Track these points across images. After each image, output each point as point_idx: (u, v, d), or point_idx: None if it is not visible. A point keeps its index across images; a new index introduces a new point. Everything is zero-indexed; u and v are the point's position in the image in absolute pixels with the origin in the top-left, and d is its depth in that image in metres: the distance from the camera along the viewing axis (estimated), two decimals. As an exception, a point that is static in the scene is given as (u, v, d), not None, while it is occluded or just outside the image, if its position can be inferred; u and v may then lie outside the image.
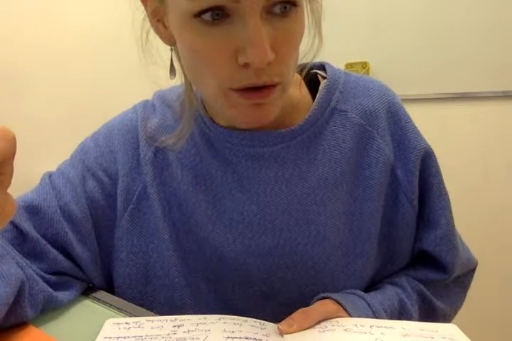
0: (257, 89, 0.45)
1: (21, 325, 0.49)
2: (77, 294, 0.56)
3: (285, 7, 0.43)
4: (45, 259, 0.53)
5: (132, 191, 0.57)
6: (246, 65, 0.43)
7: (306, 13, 0.50)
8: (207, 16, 0.42)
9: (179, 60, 0.52)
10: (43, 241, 0.53)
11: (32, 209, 0.54)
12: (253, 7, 0.41)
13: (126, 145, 0.59)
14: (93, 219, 0.57)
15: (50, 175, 0.59)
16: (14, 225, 0.53)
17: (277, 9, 0.42)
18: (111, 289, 0.60)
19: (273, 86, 0.46)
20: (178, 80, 0.55)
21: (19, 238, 0.53)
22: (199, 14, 0.42)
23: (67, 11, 1.52)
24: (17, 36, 1.39)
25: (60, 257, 0.54)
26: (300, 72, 0.58)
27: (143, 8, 0.50)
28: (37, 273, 0.52)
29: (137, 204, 0.57)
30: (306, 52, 0.53)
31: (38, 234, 0.53)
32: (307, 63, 0.57)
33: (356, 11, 1.61)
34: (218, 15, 0.42)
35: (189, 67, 0.49)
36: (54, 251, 0.54)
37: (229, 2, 0.41)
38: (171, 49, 0.52)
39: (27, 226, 0.53)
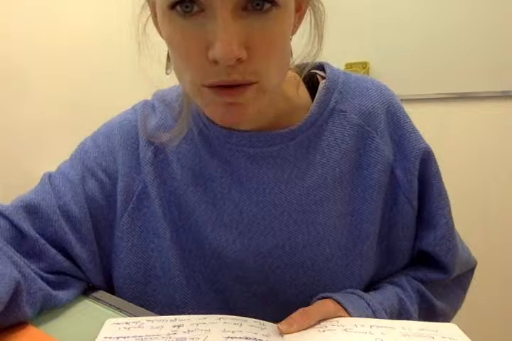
0: (228, 87, 0.44)
1: (21, 324, 0.49)
2: (76, 294, 0.56)
3: (258, 4, 0.41)
4: (44, 259, 0.53)
5: (132, 191, 0.58)
6: (216, 61, 0.42)
7: (308, 16, 0.50)
8: (180, 8, 0.42)
9: None
10: (42, 241, 0.53)
11: (31, 209, 0.54)
12: (225, 3, 0.40)
13: (125, 145, 0.59)
14: (92, 219, 0.57)
15: (49, 175, 0.59)
16: (13, 225, 0.53)
17: (252, 6, 0.41)
18: (111, 289, 0.60)
19: (247, 85, 0.44)
20: (177, 81, 0.55)
21: (18, 237, 0.53)
22: (173, 6, 0.42)
23: (67, 11, 1.52)
24: (17, 36, 1.39)
25: (59, 257, 0.54)
26: (299, 73, 0.58)
27: (140, 6, 0.51)
28: (36, 273, 0.52)
29: (137, 204, 0.57)
30: (305, 55, 0.53)
31: (36, 234, 0.53)
32: (306, 63, 0.57)
33: (356, 11, 1.61)
34: (188, 7, 0.41)
35: (172, 62, 0.48)
36: (53, 251, 0.54)
37: None
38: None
39: (26, 225, 0.53)
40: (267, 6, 0.42)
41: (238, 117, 0.47)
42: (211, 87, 0.44)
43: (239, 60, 0.41)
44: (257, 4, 0.41)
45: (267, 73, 0.45)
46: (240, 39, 0.41)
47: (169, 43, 0.46)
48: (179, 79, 0.49)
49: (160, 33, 0.51)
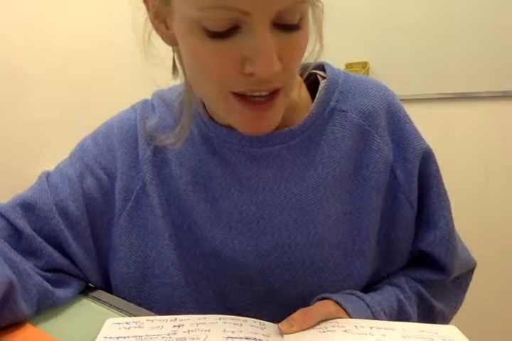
0: (258, 102, 0.46)
1: (21, 324, 0.49)
2: (75, 292, 0.57)
3: (291, 25, 0.43)
4: (41, 256, 0.53)
5: (131, 189, 0.58)
6: (251, 74, 0.43)
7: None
8: (214, 29, 0.42)
9: (180, 60, 0.52)
10: (39, 239, 0.53)
11: (27, 207, 0.54)
12: (263, 19, 0.41)
13: (125, 144, 0.59)
14: (90, 217, 0.57)
15: (47, 173, 0.59)
16: (9, 223, 0.53)
17: (282, 23, 0.43)
18: (109, 287, 0.60)
19: (276, 92, 0.46)
20: (177, 80, 0.55)
21: (15, 235, 0.53)
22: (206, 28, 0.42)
23: (67, 12, 1.52)
24: (16, 37, 1.39)
25: (56, 254, 0.54)
26: (300, 73, 0.58)
27: (143, 8, 0.50)
28: (33, 270, 0.52)
29: (136, 203, 0.57)
30: (307, 56, 0.53)
31: (33, 232, 0.53)
32: (307, 64, 0.57)
33: (356, 11, 1.61)
34: (222, 26, 0.42)
35: (190, 70, 0.49)
36: (50, 248, 0.54)
37: (240, 14, 0.40)
38: (173, 49, 0.52)
39: (22, 223, 0.53)
40: (295, 25, 0.44)
41: (266, 128, 0.49)
42: (240, 96, 0.46)
43: (276, 74, 0.43)
44: (286, 27, 0.43)
45: (290, 79, 0.48)
46: (276, 53, 0.42)
47: (194, 56, 0.45)
48: (198, 86, 0.50)
49: (163, 38, 0.51)
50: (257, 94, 0.46)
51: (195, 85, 0.51)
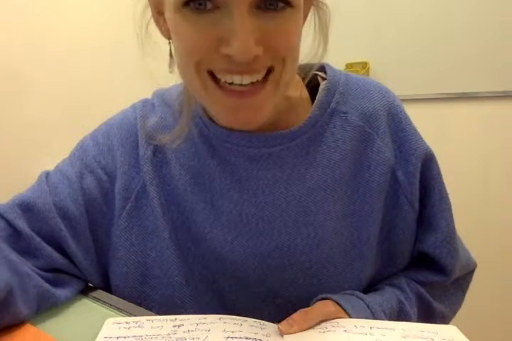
0: (238, 90, 0.45)
1: (21, 324, 0.49)
2: (74, 292, 0.56)
3: (271, 4, 0.43)
4: (41, 256, 0.53)
5: (131, 189, 0.57)
6: (228, 56, 0.43)
7: (313, 20, 0.50)
8: (194, 5, 0.42)
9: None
10: (38, 239, 0.53)
11: (26, 207, 0.54)
12: (242, 1, 0.41)
13: (125, 144, 0.59)
14: (89, 216, 0.57)
15: (47, 173, 0.59)
16: (8, 223, 0.53)
17: (265, 5, 0.42)
18: (108, 287, 0.60)
19: (260, 82, 0.46)
20: (178, 79, 0.55)
21: (14, 236, 0.53)
22: (186, 3, 0.42)
23: (67, 11, 1.52)
24: (17, 36, 1.39)
25: (56, 254, 0.54)
26: (299, 74, 0.58)
27: (142, 3, 0.51)
28: (33, 271, 0.52)
29: (136, 203, 0.57)
30: (310, 58, 0.53)
31: (32, 232, 0.53)
32: (307, 64, 0.57)
33: (356, 11, 1.61)
34: (201, 4, 0.42)
35: (176, 58, 0.49)
36: (49, 248, 0.54)
37: None
38: (169, 42, 0.52)
39: (21, 223, 0.53)
40: (281, 5, 0.43)
41: (253, 120, 0.48)
42: (217, 80, 0.45)
43: (255, 58, 0.42)
44: (271, 4, 0.42)
45: (281, 64, 0.46)
46: (255, 36, 0.42)
47: (178, 38, 0.46)
48: (183, 74, 0.49)
49: (161, 32, 0.51)
50: (238, 81, 0.45)
51: (181, 74, 0.50)
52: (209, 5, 0.42)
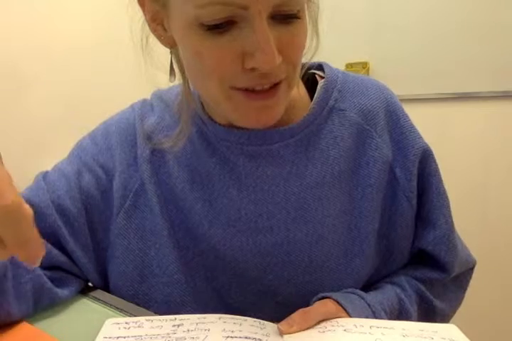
0: (260, 91, 0.46)
1: (20, 324, 0.49)
2: (74, 291, 0.57)
3: (285, 18, 0.44)
4: None
5: (129, 188, 0.58)
6: (253, 69, 0.44)
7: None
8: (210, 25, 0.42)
9: (178, 62, 0.52)
10: None
11: None
12: (261, 13, 0.41)
13: (123, 143, 0.59)
14: (87, 214, 0.57)
15: (45, 173, 0.60)
16: None
17: (280, 17, 0.43)
18: (108, 286, 0.60)
19: (277, 84, 0.47)
20: (177, 80, 0.55)
21: None
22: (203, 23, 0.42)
23: (67, 11, 1.52)
24: (17, 36, 1.39)
25: (55, 251, 0.55)
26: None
27: (141, 11, 0.50)
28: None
29: (134, 202, 0.57)
30: (305, 52, 0.53)
31: None
32: (305, 63, 0.57)
33: (356, 11, 1.61)
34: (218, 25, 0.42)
35: (191, 70, 0.49)
36: (48, 245, 0.54)
37: (238, 10, 0.41)
38: (171, 51, 0.52)
39: None
40: (293, 17, 0.44)
41: (271, 119, 0.50)
42: (242, 90, 0.46)
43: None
44: (284, 18, 0.44)
45: (293, 71, 0.48)
46: (276, 46, 0.43)
47: (195, 54, 0.46)
48: (199, 85, 0.50)
49: (161, 41, 0.51)
50: (259, 88, 0.46)
51: (197, 85, 0.51)
52: (223, 20, 0.42)
